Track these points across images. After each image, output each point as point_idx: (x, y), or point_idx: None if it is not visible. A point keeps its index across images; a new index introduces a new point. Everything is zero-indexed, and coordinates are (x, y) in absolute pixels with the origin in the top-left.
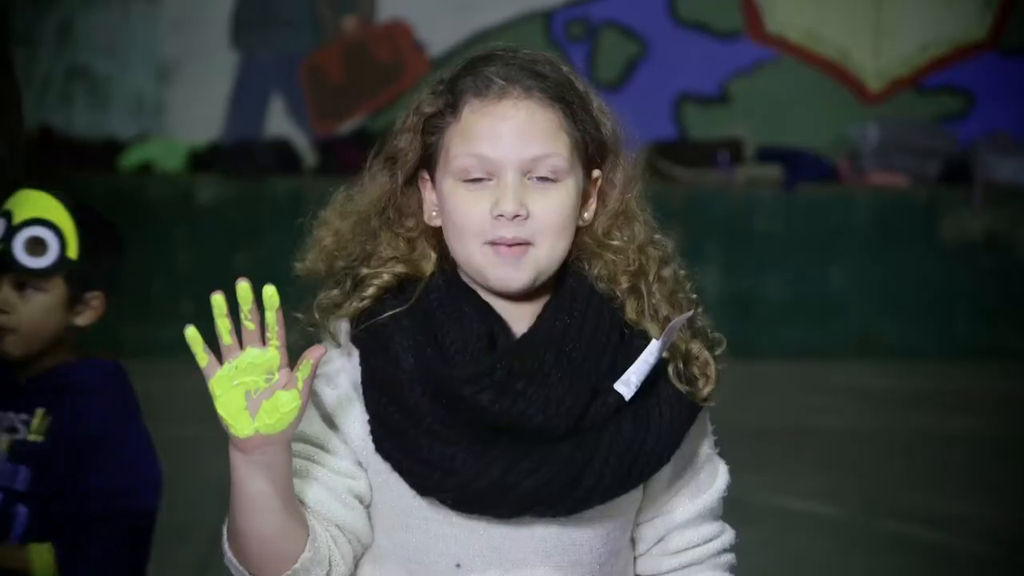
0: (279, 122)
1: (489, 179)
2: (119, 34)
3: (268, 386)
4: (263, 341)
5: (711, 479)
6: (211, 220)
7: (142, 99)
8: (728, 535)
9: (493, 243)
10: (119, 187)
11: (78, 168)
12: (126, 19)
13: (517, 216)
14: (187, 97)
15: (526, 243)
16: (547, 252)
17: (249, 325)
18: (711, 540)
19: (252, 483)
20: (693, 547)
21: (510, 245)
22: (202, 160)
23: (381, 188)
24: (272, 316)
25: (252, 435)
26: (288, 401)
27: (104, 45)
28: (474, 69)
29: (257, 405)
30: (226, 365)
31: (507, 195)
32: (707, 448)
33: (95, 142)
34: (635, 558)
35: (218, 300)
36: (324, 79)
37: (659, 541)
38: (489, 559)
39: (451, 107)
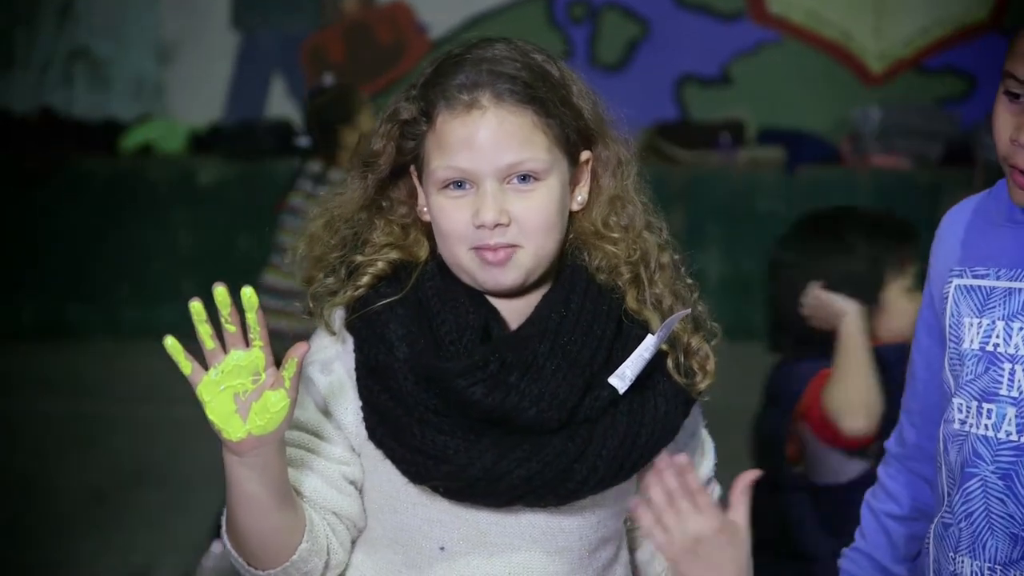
0: (280, 103)
1: (470, 186)
2: (119, 15)
3: (256, 387)
4: (246, 343)
5: (701, 459)
6: (212, 201)
7: (142, 80)
8: (715, 492)
9: (478, 248)
10: (120, 169)
11: (78, 149)
12: (126, 0)
13: (498, 225)
14: (188, 78)
15: (512, 246)
16: (534, 252)
17: (230, 328)
18: None
19: (248, 484)
20: None
21: (495, 249)
22: (203, 141)
23: (353, 193)
24: (253, 317)
25: (245, 437)
26: (277, 401)
27: (104, 26)
28: (443, 78)
29: (247, 407)
30: (211, 370)
31: (486, 205)
32: (699, 434)
33: (95, 123)
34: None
35: (196, 307)
36: (325, 60)
37: None
38: (474, 543)
39: (425, 115)
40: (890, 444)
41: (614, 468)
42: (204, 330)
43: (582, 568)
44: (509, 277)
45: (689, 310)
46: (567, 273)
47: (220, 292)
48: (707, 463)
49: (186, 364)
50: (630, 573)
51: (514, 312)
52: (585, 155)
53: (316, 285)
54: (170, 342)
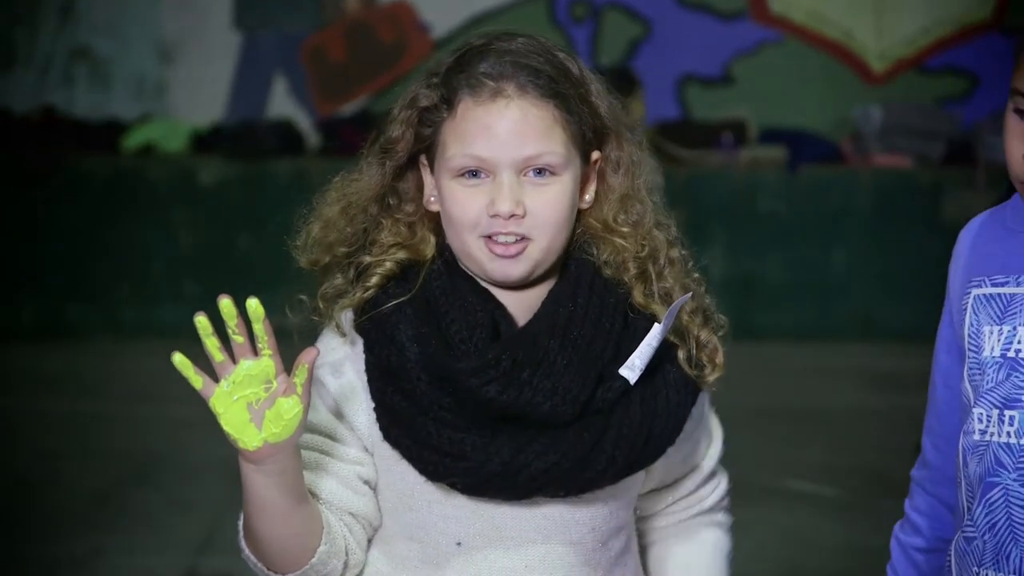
0: (281, 103)
1: (486, 175)
2: (121, 14)
3: (268, 395)
4: (255, 351)
5: (707, 445)
6: (213, 201)
7: (144, 80)
8: (723, 485)
9: (489, 236)
10: (121, 168)
11: (80, 149)
12: (127, 0)
13: (513, 216)
14: (189, 78)
15: (524, 239)
16: (545, 246)
17: (238, 339)
18: (704, 499)
19: (265, 491)
20: (691, 508)
21: (507, 243)
22: (204, 141)
23: (370, 180)
24: (260, 328)
25: (261, 446)
26: (290, 408)
27: (106, 25)
28: (468, 66)
29: (261, 416)
30: (222, 382)
31: (503, 195)
32: (704, 421)
33: (97, 123)
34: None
35: (202, 321)
36: (327, 60)
37: (661, 510)
38: (490, 538)
39: (446, 102)
40: (914, 472)
41: (631, 457)
42: (211, 343)
43: (596, 558)
44: (518, 269)
45: (691, 294)
46: (573, 267)
47: (225, 304)
48: (713, 453)
49: (196, 379)
50: (639, 563)
51: (520, 307)
52: (595, 155)
53: (325, 286)
54: (179, 359)
